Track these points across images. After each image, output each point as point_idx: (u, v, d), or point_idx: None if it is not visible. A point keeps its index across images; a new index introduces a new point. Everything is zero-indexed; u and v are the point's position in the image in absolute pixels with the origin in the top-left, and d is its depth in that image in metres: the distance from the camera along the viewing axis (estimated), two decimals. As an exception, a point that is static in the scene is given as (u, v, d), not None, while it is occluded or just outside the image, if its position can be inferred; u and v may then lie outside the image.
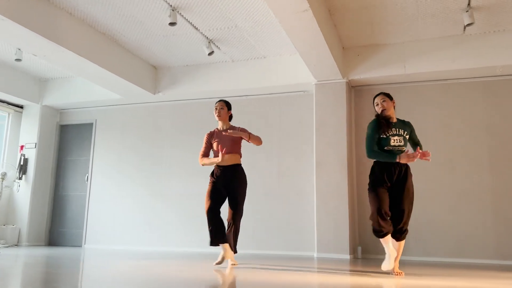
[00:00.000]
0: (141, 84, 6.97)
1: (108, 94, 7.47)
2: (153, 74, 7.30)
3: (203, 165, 4.53)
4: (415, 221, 5.49)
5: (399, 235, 3.74)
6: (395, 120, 3.90)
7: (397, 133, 3.82)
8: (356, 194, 6.24)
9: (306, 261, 5.15)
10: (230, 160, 4.38)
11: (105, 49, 6.22)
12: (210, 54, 6.22)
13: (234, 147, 4.44)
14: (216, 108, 4.55)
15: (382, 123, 3.84)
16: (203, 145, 4.61)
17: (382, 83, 6.35)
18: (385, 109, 3.87)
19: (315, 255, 5.95)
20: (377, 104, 3.91)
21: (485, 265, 5.10)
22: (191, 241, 6.92)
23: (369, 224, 6.09)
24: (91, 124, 7.98)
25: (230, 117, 4.67)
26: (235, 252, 4.42)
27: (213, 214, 4.28)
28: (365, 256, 5.99)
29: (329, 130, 6.20)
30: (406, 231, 3.76)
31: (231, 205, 4.35)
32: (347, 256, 5.78)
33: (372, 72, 6.16)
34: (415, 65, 5.97)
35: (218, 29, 5.85)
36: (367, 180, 3.89)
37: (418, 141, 3.98)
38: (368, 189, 3.80)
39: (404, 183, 3.73)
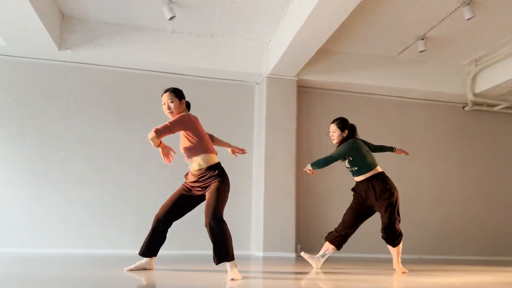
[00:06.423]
0: (40, 30, 5.04)
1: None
2: (58, 23, 5.54)
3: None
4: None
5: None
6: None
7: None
8: (296, 192, 6.23)
9: (255, 262, 4.78)
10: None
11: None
12: (171, 19, 5.19)
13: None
14: (164, 103, 3.29)
15: None
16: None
17: (326, 88, 6.60)
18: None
19: (262, 254, 5.69)
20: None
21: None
22: (96, 241, 5.58)
23: (307, 222, 6.26)
24: None
25: (188, 106, 3.50)
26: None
27: None
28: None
29: (279, 126, 6.05)
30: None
31: None
32: (293, 255, 5.77)
33: (320, 76, 6.33)
34: (357, 76, 6.45)
35: (196, -7, 4.96)
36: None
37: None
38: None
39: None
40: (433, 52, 6.30)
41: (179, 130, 3.15)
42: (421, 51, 5.92)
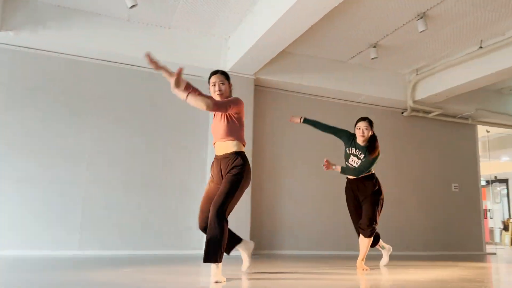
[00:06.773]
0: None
1: None
2: (-1, 1, 4.99)
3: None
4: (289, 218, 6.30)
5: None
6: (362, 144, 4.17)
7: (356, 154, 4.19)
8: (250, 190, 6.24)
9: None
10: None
11: None
12: (132, 7, 4.90)
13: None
14: (214, 84, 3.29)
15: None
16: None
17: (280, 88, 6.67)
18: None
19: (216, 253, 5.61)
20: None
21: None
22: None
23: (260, 219, 6.29)
24: None
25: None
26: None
27: None
28: (258, 252, 6.10)
29: (237, 124, 6.00)
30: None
31: None
32: (247, 253, 5.76)
33: (275, 76, 6.39)
34: (310, 78, 6.61)
35: (163, -17, 4.73)
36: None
37: (362, 162, 4.12)
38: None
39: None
40: (381, 59, 6.65)
41: (233, 110, 3.14)
42: (373, 58, 6.22)
